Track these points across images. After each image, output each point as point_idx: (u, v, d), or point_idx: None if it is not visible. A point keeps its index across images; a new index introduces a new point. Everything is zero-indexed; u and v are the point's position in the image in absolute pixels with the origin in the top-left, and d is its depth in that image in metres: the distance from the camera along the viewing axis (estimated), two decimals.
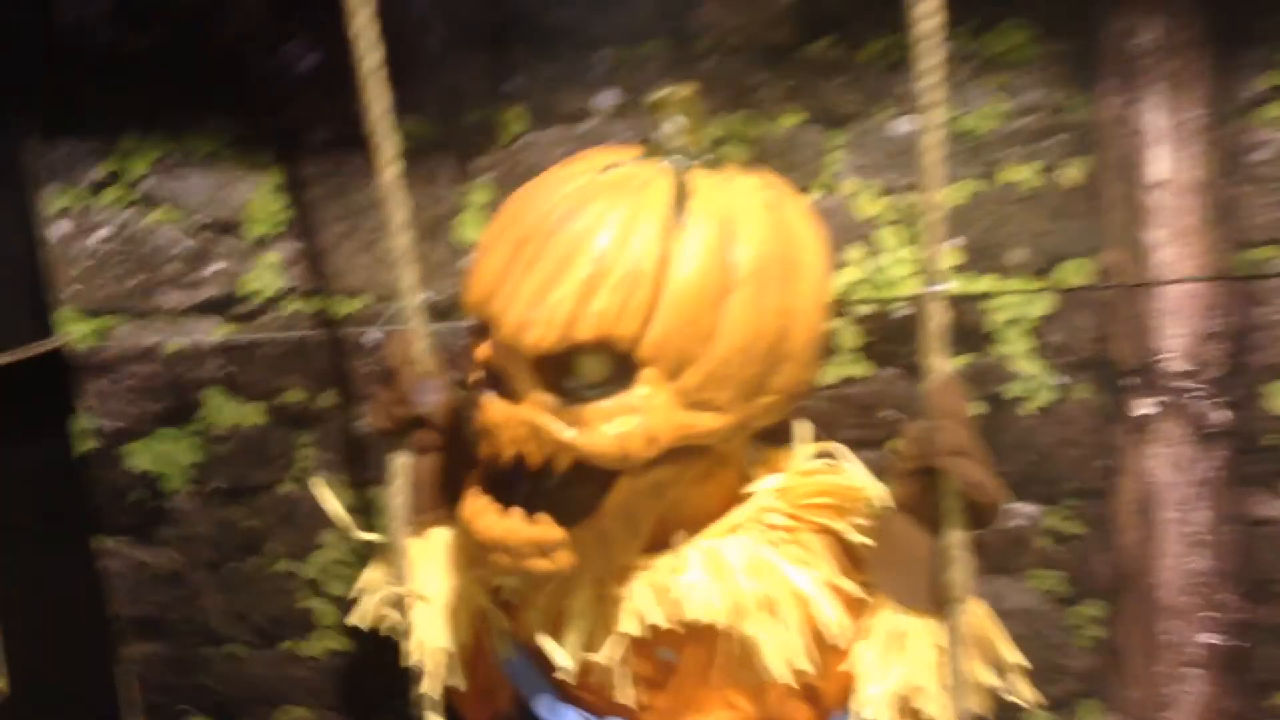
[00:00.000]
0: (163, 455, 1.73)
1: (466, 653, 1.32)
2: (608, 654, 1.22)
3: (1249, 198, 1.53)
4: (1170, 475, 1.60)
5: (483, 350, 1.15)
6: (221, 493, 1.74)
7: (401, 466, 1.31)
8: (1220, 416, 1.58)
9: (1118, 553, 1.64)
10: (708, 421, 1.13)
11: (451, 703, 1.35)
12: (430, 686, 1.30)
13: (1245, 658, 1.65)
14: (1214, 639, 1.64)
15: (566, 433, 1.11)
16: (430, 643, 1.30)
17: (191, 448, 1.72)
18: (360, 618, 1.38)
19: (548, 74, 1.57)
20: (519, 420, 1.12)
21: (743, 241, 1.11)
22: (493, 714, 1.37)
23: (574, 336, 1.08)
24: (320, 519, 1.71)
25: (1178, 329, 1.56)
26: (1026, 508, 1.63)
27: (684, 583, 1.20)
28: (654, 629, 1.21)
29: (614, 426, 1.10)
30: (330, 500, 1.41)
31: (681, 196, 1.13)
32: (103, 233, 1.67)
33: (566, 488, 1.15)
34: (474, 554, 1.21)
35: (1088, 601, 1.66)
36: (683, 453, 1.14)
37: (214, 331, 1.69)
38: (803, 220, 1.20)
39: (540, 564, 1.15)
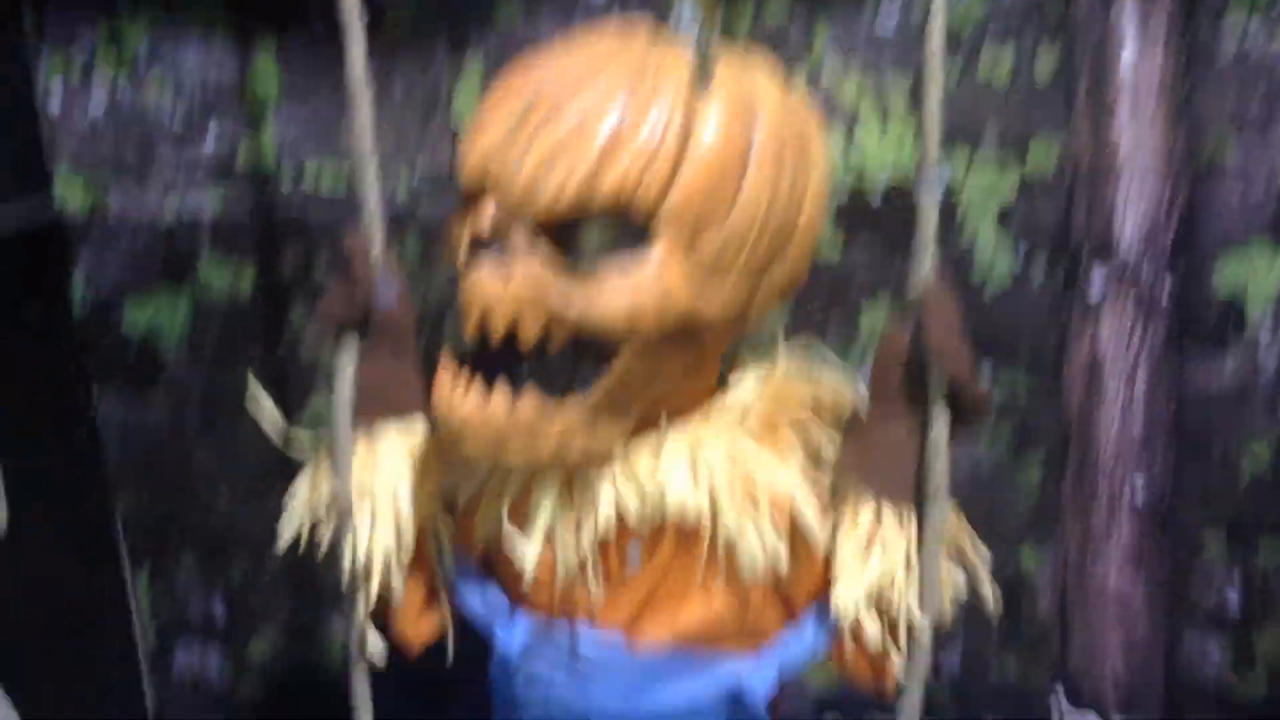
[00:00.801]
0: (159, 316, 1.73)
1: (408, 562, 1.22)
2: (577, 547, 1.15)
3: (1207, 90, 1.59)
4: (1116, 345, 1.69)
5: (478, 220, 1.05)
6: (213, 357, 1.75)
7: (349, 363, 1.22)
8: (1165, 292, 1.66)
9: (1063, 412, 1.74)
10: (717, 297, 1.07)
11: (384, 624, 1.26)
12: (370, 594, 1.21)
13: (1171, 507, 1.76)
14: (1144, 490, 1.75)
15: (574, 301, 1.04)
16: (374, 544, 1.19)
17: (187, 310, 1.73)
18: (296, 521, 1.26)
19: None
20: (517, 291, 1.03)
21: (763, 120, 1.07)
22: (427, 636, 1.28)
23: (592, 198, 1.01)
24: (308, 383, 1.75)
25: (1133, 212, 1.63)
26: (983, 369, 1.72)
27: (662, 473, 1.13)
28: (623, 524, 1.15)
29: (624, 295, 1.03)
30: (265, 404, 1.31)
31: (702, 72, 1.07)
32: (99, 101, 1.64)
33: (557, 367, 1.08)
34: (448, 442, 1.11)
35: (1032, 456, 1.76)
36: (682, 335, 1.07)
37: (210, 198, 1.68)
38: (811, 109, 1.16)
39: (523, 450, 1.07)
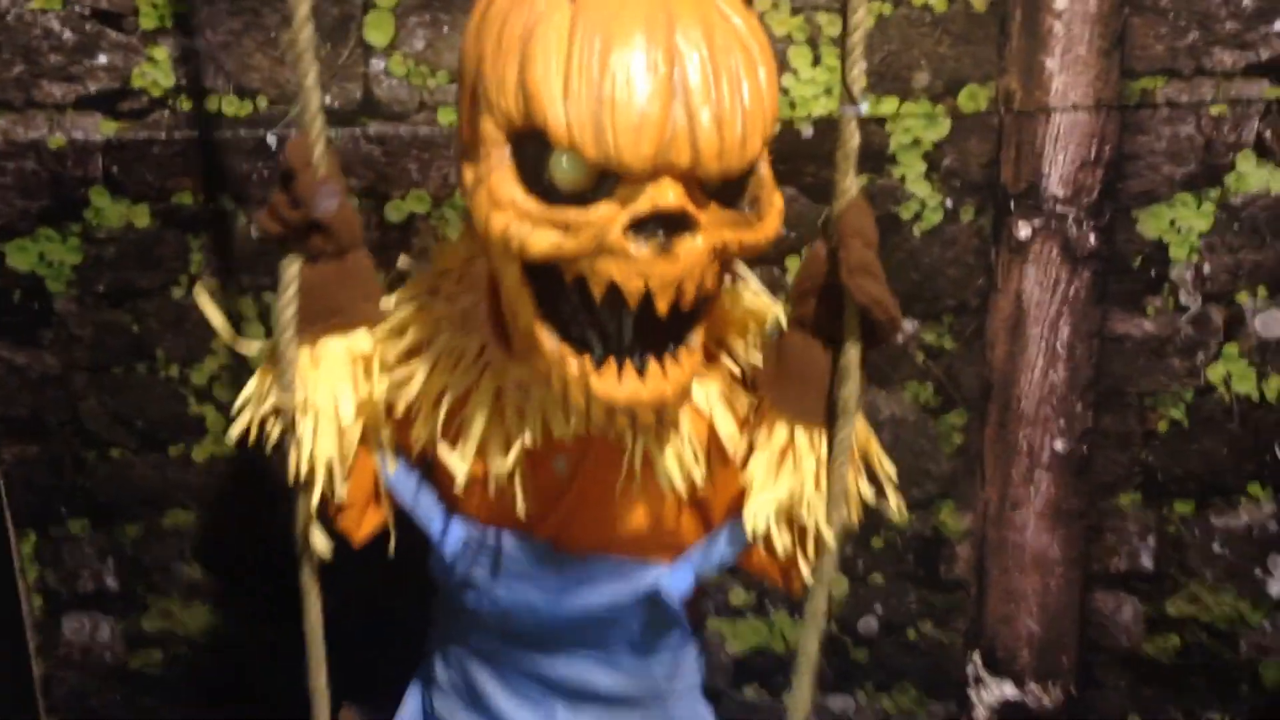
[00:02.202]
0: (45, 256, 1.59)
1: (351, 465, 1.24)
2: (507, 460, 1.17)
3: (1142, 29, 1.55)
4: (1041, 294, 1.64)
5: (657, 199, 0.99)
6: (106, 296, 1.61)
7: (293, 274, 1.20)
8: (1091, 240, 1.62)
9: (986, 366, 1.68)
10: None
11: (329, 519, 1.28)
12: (314, 496, 1.23)
13: (1089, 461, 1.72)
14: (1063, 445, 1.71)
15: (745, 248, 1.07)
16: (317, 451, 1.21)
17: (75, 249, 1.59)
18: (243, 428, 1.28)
19: None
20: (688, 263, 1.01)
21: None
22: (370, 530, 1.31)
23: (759, 150, 1.03)
24: (207, 325, 1.62)
25: (1062, 155, 1.58)
26: (906, 324, 1.66)
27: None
28: (550, 438, 1.17)
29: (772, 226, 1.10)
30: (211, 308, 1.30)
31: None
32: None
33: (671, 327, 1.07)
34: (594, 418, 1.11)
35: (954, 411, 1.70)
36: None
37: (100, 128, 1.55)
38: None
39: (674, 408, 1.13)
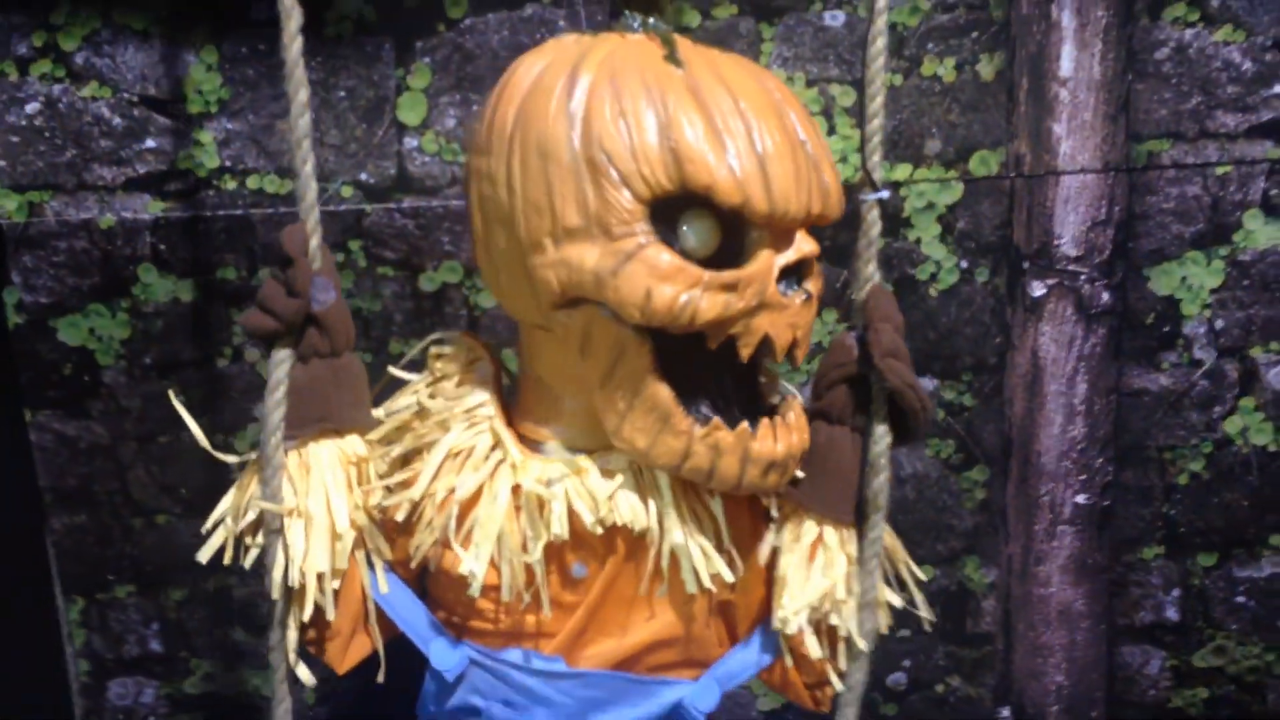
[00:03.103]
0: (95, 330, 1.65)
1: (341, 581, 1.16)
2: (528, 558, 1.11)
3: (1146, 94, 1.59)
4: (1057, 351, 1.67)
5: (799, 247, 1.04)
6: (153, 368, 1.67)
7: (282, 374, 1.13)
8: (1104, 297, 1.65)
9: (1005, 422, 1.71)
10: None
11: (312, 646, 1.20)
12: (301, 613, 1.14)
13: (1111, 516, 1.74)
14: (1085, 499, 1.73)
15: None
16: (307, 564, 1.12)
17: (123, 323, 1.64)
18: (221, 541, 1.18)
19: None
20: (810, 313, 1.08)
21: None
22: (356, 660, 1.22)
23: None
24: (253, 395, 1.66)
25: (1072, 216, 1.62)
26: (926, 382, 1.69)
27: (612, 485, 1.11)
28: (568, 543, 1.12)
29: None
30: (186, 415, 1.22)
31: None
32: (33, 107, 1.57)
33: (760, 384, 1.13)
34: (726, 485, 1.09)
35: (975, 468, 1.73)
36: None
37: (147, 208, 1.61)
38: None
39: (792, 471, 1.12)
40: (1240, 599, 1.79)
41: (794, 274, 1.05)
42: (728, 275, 1.01)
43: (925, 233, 1.63)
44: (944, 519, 1.75)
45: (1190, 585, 1.78)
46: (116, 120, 1.58)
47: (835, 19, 1.56)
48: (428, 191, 1.61)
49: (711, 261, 1.02)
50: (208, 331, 1.66)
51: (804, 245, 1.05)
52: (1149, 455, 1.73)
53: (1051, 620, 1.78)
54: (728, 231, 1.02)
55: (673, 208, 1.01)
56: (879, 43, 1.12)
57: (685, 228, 1.01)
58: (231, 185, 1.61)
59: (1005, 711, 1.82)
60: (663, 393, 1.04)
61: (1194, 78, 1.59)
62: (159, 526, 1.74)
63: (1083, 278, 1.64)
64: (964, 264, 1.65)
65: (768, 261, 1.02)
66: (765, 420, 1.08)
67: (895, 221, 1.63)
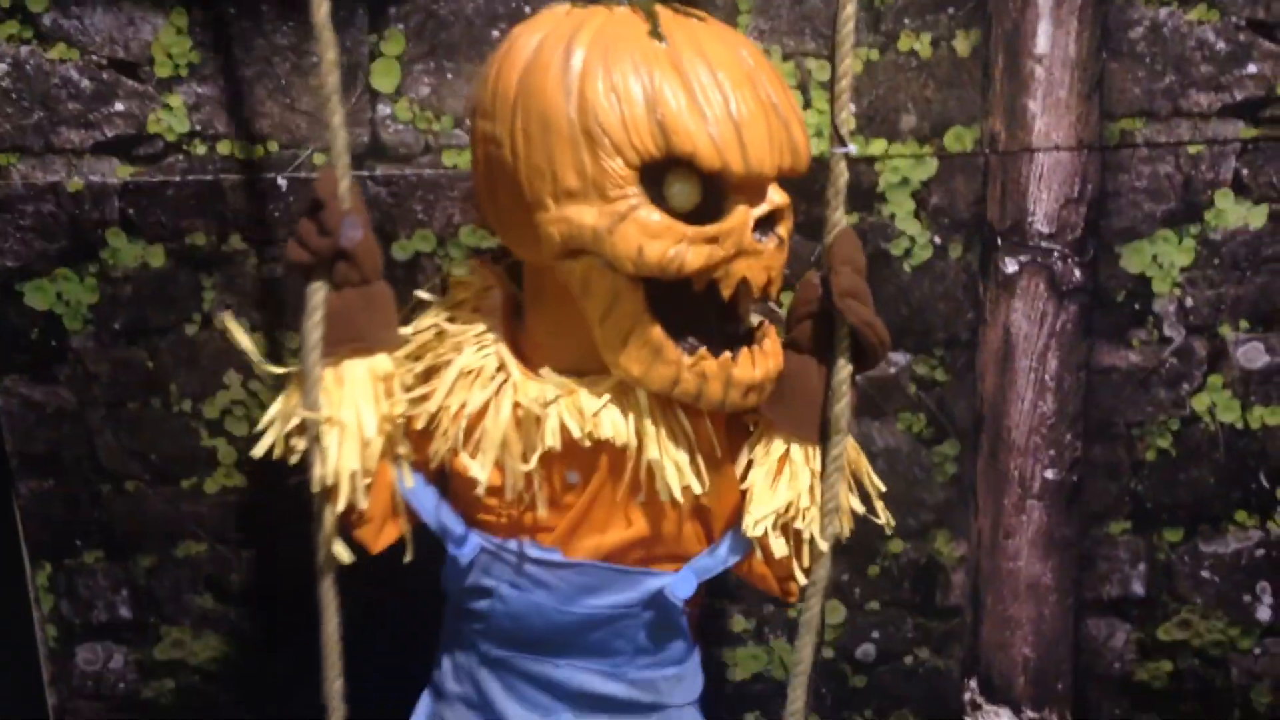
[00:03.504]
0: (62, 295, 1.63)
1: (373, 478, 1.32)
2: (525, 468, 1.27)
3: (1120, 73, 1.60)
4: (1028, 328, 1.68)
5: (765, 200, 1.19)
6: (122, 333, 1.66)
7: (318, 300, 1.28)
8: (1076, 275, 1.66)
9: (977, 398, 1.72)
10: None
11: (348, 531, 1.35)
12: (337, 507, 1.31)
13: (1079, 491, 1.76)
14: (1054, 474, 1.75)
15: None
16: (341, 464, 1.28)
17: (91, 288, 1.63)
18: (269, 447, 1.34)
19: None
20: (783, 255, 1.23)
21: None
22: (387, 542, 1.37)
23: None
24: (223, 360, 1.66)
25: (1046, 194, 1.63)
26: (898, 356, 1.70)
27: (598, 404, 1.26)
28: (563, 452, 1.26)
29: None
30: (240, 334, 1.37)
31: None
32: (0, 69, 1.55)
33: (737, 319, 1.27)
34: (722, 406, 1.25)
35: (947, 442, 1.74)
36: None
37: (116, 172, 1.59)
38: None
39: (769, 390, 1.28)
40: (1205, 574, 1.81)
41: (767, 222, 1.20)
42: (710, 229, 1.16)
43: (899, 208, 1.63)
44: (915, 493, 1.76)
45: (1156, 560, 1.80)
46: (85, 83, 1.57)
47: None
48: (401, 159, 1.60)
49: (693, 215, 1.17)
50: (177, 297, 1.65)
51: (775, 197, 1.20)
52: (1118, 431, 1.75)
53: (1020, 593, 1.80)
54: (707, 187, 1.17)
55: (659, 169, 1.15)
56: (849, 8, 1.24)
57: (672, 188, 1.16)
58: (201, 150, 1.60)
59: (973, 684, 1.84)
60: (655, 330, 1.20)
61: (1167, 56, 1.59)
62: (128, 493, 1.73)
63: (1055, 255, 1.65)
64: (937, 240, 1.65)
65: (744, 215, 1.18)
66: (745, 349, 1.23)
67: (870, 197, 1.63)
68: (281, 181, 1.61)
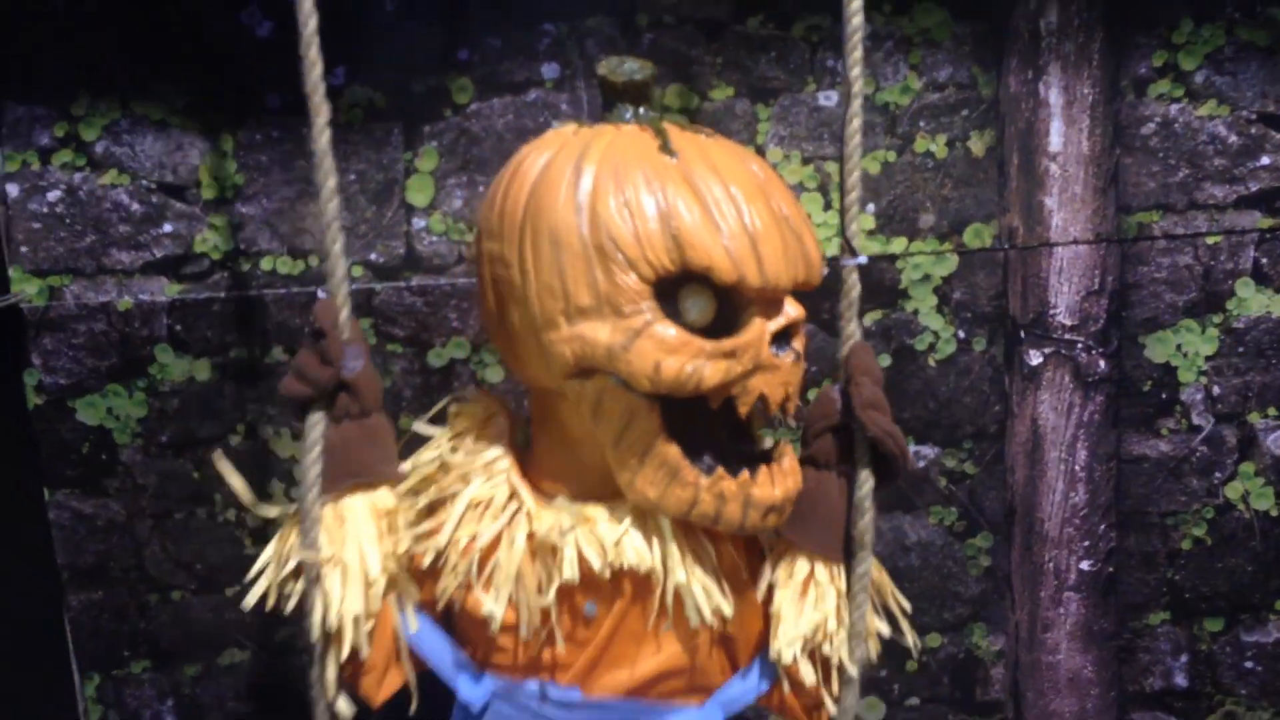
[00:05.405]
0: (112, 410, 1.69)
1: (375, 622, 1.26)
2: (544, 602, 1.21)
3: (1134, 168, 1.63)
4: (1056, 419, 1.70)
5: (782, 315, 1.16)
6: (168, 446, 1.71)
7: (317, 434, 1.24)
8: (1101, 365, 1.68)
9: (1007, 490, 1.73)
10: None
11: (348, 682, 1.29)
12: (339, 654, 1.24)
13: (1115, 582, 1.76)
14: (1089, 565, 1.75)
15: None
16: (344, 608, 1.22)
17: (140, 402, 1.68)
18: (263, 587, 1.28)
19: (495, 45, 1.59)
20: (802, 363, 1.20)
21: None
22: (389, 693, 1.31)
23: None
24: (265, 471, 1.70)
25: (1067, 286, 1.65)
26: (927, 450, 1.71)
27: (619, 531, 1.21)
28: (580, 584, 1.21)
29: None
30: (232, 473, 1.31)
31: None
32: (55, 194, 1.62)
33: (755, 436, 1.24)
34: (736, 526, 1.20)
35: (979, 535, 1.75)
36: None
37: (164, 291, 1.66)
38: None
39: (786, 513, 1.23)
40: (1248, 664, 1.80)
41: (783, 337, 1.16)
42: (727, 344, 1.13)
43: (922, 304, 1.66)
44: (950, 586, 1.76)
45: (1198, 650, 1.79)
46: (135, 206, 1.64)
47: (829, 99, 1.61)
48: (435, 270, 1.65)
49: (708, 330, 1.13)
50: (221, 410, 1.70)
51: (791, 310, 1.16)
52: (1151, 521, 1.75)
53: (1060, 687, 1.78)
54: (722, 302, 1.14)
55: (673, 284, 1.12)
56: (855, 122, 1.24)
57: (686, 303, 1.13)
58: (245, 267, 1.65)
59: None
60: (671, 450, 1.16)
61: (1181, 151, 1.63)
62: (174, 602, 1.76)
63: (1079, 346, 1.67)
64: (961, 334, 1.68)
65: (761, 328, 1.14)
66: (764, 468, 1.19)
67: (893, 293, 1.66)
68: (322, 293, 1.65)
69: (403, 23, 1.58)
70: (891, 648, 1.75)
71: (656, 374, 1.11)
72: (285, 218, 1.64)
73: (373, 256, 1.64)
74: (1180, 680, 1.80)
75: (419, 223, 1.64)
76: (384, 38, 1.58)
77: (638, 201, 1.10)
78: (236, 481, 1.30)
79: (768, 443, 1.27)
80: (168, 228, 1.64)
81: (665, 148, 1.15)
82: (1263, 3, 1.60)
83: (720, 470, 1.18)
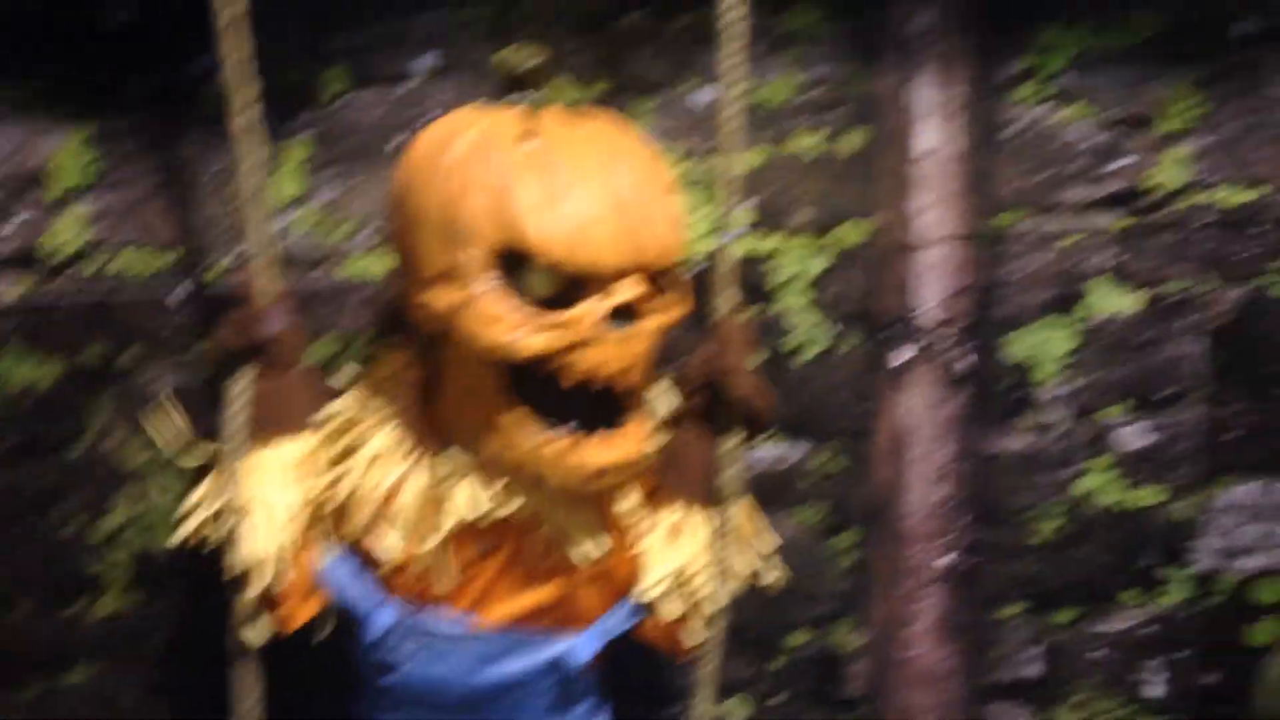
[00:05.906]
0: None
1: (290, 558, 1.37)
2: (436, 541, 1.33)
3: (1000, 168, 1.68)
4: (920, 416, 1.73)
5: (621, 292, 1.21)
6: (14, 452, 1.61)
7: (243, 385, 1.35)
8: (965, 363, 1.72)
9: (872, 486, 1.76)
10: None
11: (267, 611, 1.39)
12: (255, 589, 1.35)
13: (976, 575, 1.80)
14: (950, 560, 1.79)
15: (673, 315, 1.29)
16: (260, 545, 1.34)
17: None
18: (188, 533, 1.40)
19: (367, 35, 1.55)
20: (644, 346, 1.25)
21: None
22: (303, 620, 1.40)
23: (683, 242, 1.29)
24: (112, 481, 1.62)
25: (934, 285, 1.69)
26: (796, 449, 1.74)
27: (500, 483, 1.32)
28: (473, 522, 1.32)
29: (684, 306, 1.32)
30: (177, 419, 1.47)
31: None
32: None
33: (615, 402, 1.28)
34: (572, 485, 1.27)
35: (845, 532, 1.77)
36: None
37: (11, 288, 1.56)
38: None
39: (628, 475, 1.31)
40: (1097, 654, 1.86)
41: (627, 313, 1.23)
42: (553, 317, 1.21)
43: (793, 302, 1.68)
44: (815, 584, 1.78)
45: (1051, 642, 1.85)
46: None
47: (707, 93, 1.61)
48: (305, 265, 1.60)
49: (556, 303, 1.22)
50: (68, 415, 1.60)
51: (627, 291, 1.22)
52: (1008, 516, 1.80)
53: (919, 681, 1.82)
54: (567, 279, 1.22)
55: (521, 259, 1.21)
56: (732, 108, 1.33)
57: (529, 276, 1.22)
58: (101, 261, 1.57)
59: None
60: (511, 410, 1.26)
61: (1044, 153, 1.69)
62: (13, 620, 1.65)
63: (943, 345, 1.71)
64: (831, 332, 1.70)
65: (592, 305, 1.22)
66: (601, 432, 1.27)
67: (764, 292, 1.67)
68: (183, 292, 1.59)
69: (270, 11, 1.52)
70: (757, 646, 1.77)
71: (480, 340, 1.21)
72: (139, 214, 1.56)
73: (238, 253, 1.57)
74: (1034, 671, 1.84)
75: (290, 216, 1.58)
76: (252, 26, 1.52)
77: (485, 183, 1.20)
78: (181, 422, 1.45)
79: (644, 406, 1.34)
80: (13, 223, 1.53)
81: (529, 133, 1.23)
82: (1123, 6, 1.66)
83: (550, 434, 1.26)
